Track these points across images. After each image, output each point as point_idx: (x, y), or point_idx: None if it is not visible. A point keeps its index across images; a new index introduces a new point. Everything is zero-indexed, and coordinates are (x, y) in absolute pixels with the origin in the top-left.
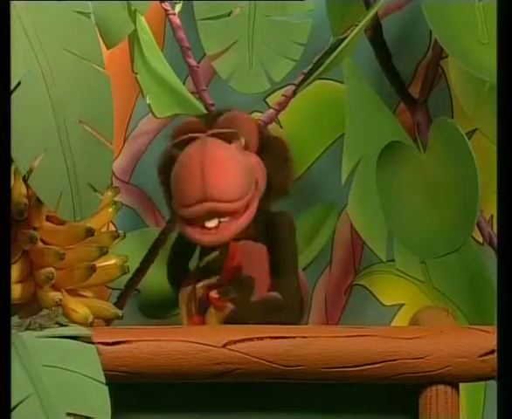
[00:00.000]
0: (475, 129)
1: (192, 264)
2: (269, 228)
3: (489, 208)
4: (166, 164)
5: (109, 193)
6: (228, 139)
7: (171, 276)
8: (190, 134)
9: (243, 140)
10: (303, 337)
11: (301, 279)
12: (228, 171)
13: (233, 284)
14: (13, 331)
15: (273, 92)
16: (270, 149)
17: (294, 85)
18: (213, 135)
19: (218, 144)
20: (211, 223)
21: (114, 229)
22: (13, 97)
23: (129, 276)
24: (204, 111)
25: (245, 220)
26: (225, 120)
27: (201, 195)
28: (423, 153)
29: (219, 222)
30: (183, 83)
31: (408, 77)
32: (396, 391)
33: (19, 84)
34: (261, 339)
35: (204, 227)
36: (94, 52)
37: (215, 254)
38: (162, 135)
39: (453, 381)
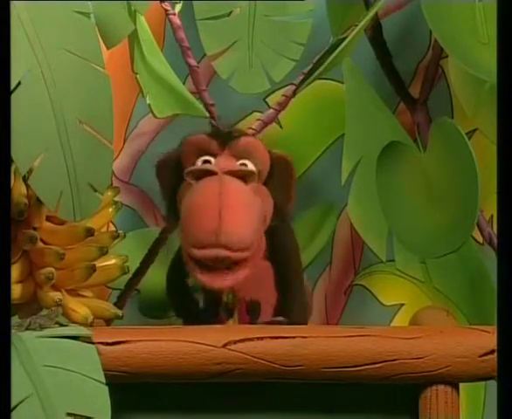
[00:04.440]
0: (475, 129)
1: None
2: (272, 243)
3: (489, 208)
4: (169, 168)
5: (109, 193)
6: (245, 179)
7: (171, 289)
8: (205, 167)
9: (257, 176)
10: (303, 337)
11: (307, 289)
12: (245, 220)
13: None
14: (13, 331)
15: (273, 92)
16: (277, 175)
17: (294, 85)
18: (230, 173)
19: (237, 187)
20: (220, 267)
21: (114, 229)
22: (13, 97)
23: (129, 276)
24: (204, 111)
25: (253, 267)
26: (239, 148)
27: (215, 240)
28: (423, 153)
29: (228, 268)
30: (183, 83)
31: (408, 77)
32: (396, 391)
33: (19, 84)
34: (261, 339)
35: (211, 270)
36: (94, 52)
37: None
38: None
39: (453, 381)
